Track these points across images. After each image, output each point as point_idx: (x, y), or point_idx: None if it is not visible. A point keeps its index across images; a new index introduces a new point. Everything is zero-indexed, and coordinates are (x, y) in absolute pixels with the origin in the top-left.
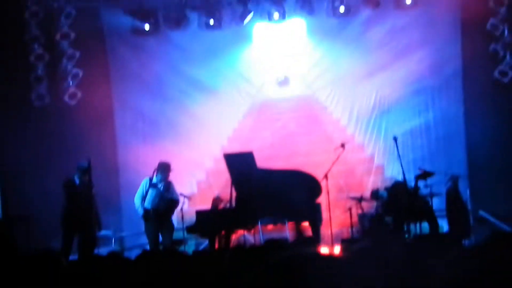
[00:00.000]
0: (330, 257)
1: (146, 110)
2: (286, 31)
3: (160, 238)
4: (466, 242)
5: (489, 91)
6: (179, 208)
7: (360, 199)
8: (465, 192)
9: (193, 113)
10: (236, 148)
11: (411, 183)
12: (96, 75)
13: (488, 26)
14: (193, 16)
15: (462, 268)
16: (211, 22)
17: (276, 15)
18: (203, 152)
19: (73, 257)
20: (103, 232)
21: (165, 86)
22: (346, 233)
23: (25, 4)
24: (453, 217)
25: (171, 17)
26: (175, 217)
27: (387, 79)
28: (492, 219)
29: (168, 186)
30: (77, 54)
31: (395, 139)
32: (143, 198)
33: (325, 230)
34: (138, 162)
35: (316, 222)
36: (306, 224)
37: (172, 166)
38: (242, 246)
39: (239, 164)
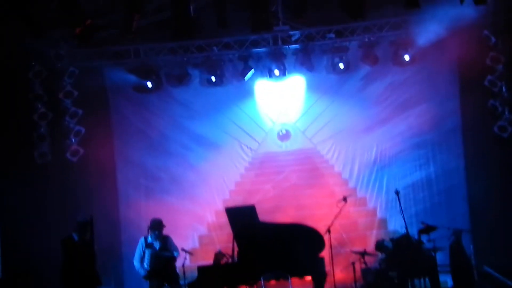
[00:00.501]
0: None
1: (149, 165)
2: (288, 86)
3: None
4: None
5: (489, 145)
6: (180, 264)
7: (363, 254)
8: (469, 247)
9: (195, 168)
10: (239, 201)
11: (414, 237)
12: (99, 132)
13: (486, 82)
14: (195, 73)
15: None
16: (213, 78)
17: (276, 72)
18: (205, 206)
19: None
20: None
21: (168, 141)
22: None
23: (29, 63)
24: (457, 272)
25: (173, 74)
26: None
27: (387, 133)
28: (496, 274)
29: (165, 242)
30: (80, 112)
31: (397, 192)
32: (141, 259)
33: (327, 286)
34: (140, 217)
35: (319, 277)
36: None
37: (165, 222)
38: None
39: (241, 218)
